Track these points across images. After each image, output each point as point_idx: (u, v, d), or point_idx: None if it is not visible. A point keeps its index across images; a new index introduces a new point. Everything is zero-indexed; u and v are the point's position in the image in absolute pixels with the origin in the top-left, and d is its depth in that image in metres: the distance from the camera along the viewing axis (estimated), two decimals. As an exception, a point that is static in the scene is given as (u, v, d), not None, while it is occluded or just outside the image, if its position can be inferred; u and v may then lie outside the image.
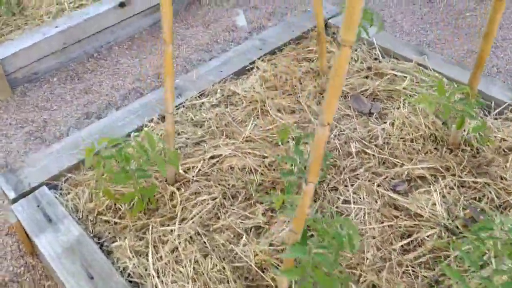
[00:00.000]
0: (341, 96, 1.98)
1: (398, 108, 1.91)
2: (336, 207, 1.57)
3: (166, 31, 1.43)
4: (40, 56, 2.48)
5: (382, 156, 1.73)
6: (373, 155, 1.73)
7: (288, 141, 1.76)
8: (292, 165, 1.64)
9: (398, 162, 1.70)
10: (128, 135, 1.83)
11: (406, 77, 2.04)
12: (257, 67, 2.16)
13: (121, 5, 2.71)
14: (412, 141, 1.78)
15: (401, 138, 1.78)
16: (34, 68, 2.50)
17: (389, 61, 2.16)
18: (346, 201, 1.61)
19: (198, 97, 2.00)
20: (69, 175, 1.73)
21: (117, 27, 2.76)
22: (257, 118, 1.89)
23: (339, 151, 1.75)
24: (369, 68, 2.14)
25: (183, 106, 1.95)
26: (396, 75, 2.07)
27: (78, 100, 2.41)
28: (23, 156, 2.11)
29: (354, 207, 1.57)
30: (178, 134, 1.84)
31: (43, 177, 1.70)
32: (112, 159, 1.48)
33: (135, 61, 2.66)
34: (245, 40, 2.77)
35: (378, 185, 1.63)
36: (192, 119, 1.89)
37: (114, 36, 2.78)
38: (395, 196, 1.59)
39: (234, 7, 3.05)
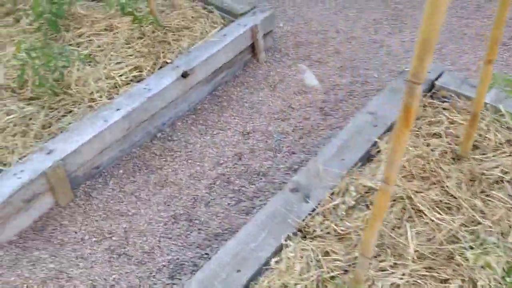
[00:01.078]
0: None
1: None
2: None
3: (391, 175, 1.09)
4: (102, 147, 2.09)
5: None
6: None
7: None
8: None
9: None
10: (267, 262, 1.49)
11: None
12: (379, 150, 1.85)
13: (184, 75, 2.35)
14: None
15: None
16: (95, 161, 2.11)
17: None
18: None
19: (330, 196, 1.67)
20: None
21: (179, 100, 2.41)
22: (412, 221, 1.59)
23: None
24: None
25: (318, 214, 1.62)
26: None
27: (155, 197, 2.03)
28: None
29: None
30: (327, 254, 1.50)
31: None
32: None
33: (206, 139, 2.31)
34: (324, 103, 2.46)
35: None
36: (335, 232, 1.57)
37: (176, 111, 2.42)
38: None
39: (296, 63, 2.75)
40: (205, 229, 1.90)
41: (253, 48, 2.76)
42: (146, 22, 2.62)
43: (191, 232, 1.89)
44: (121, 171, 2.14)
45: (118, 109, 2.16)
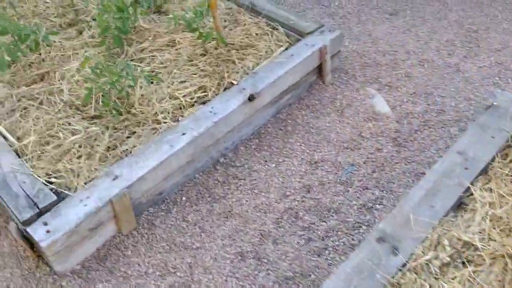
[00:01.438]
0: None
1: None
2: None
3: None
4: (167, 174, 2.00)
5: None
6: None
7: None
8: None
9: None
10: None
11: None
12: (471, 196, 1.68)
13: (250, 99, 2.25)
14: None
15: None
16: (159, 187, 2.03)
17: None
18: None
19: (421, 250, 1.52)
20: None
21: (243, 124, 2.30)
22: (517, 286, 1.43)
23: None
24: None
25: (410, 270, 1.47)
26: None
27: (220, 229, 1.93)
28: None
29: None
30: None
31: None
32: None
33: (271, 167, 2.19)
34: (398, 133, 2.28)
35: None
36: (430, 293, 1.42)
37: (239, 134, 2.32)
38: None
39: (365, 86, 2.60)
40: (274, 270, 1.78)
41: (319, 69, 2.63)
42: (210, 39, 2.53)
43: (259, 272, 1.78)
44: (184, 198, 2.06)
45: (183, 133, 2.07)
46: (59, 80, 2.39)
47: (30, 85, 2.36)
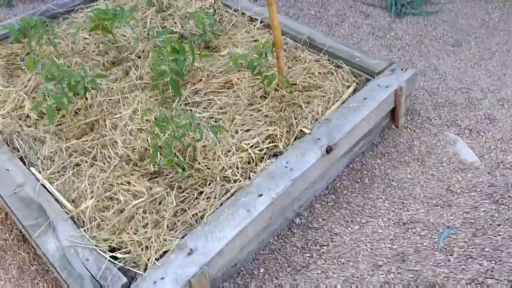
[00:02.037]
0: None
1: None
2: None
3: None
4: (244, 243, 1.76)
5: None
6: None
7: None
8: None
9: None
10: None
11: None
12: None
13: (328, 151, 2.02)
14: None
15: None
16: (234, 259, 1.80)
17: None
18: None
19: None
20: None
21: (317, 178, 2.07)
22: None
23: None
24: None
25: None
26: None
27: (309, 310, 1.69)
28: None
29: None
30: None
31: None
32: None
33: (354, 229, 1.94)
34: (492, 187, 2.02)
35: None
36: None
37: (313, 190, 2.08)
38: None
39: (443, 131, 2.36)
40: None
41: (392, 112, 2.40)
42: (274, 81, 2.31)
43: None
44: (261, 270, 1.80)
45: (260, 195, 1.82)
46: (110, 129, 2.16)
47: (79, 136, 2.13)
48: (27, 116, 2.29)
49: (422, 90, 2.61)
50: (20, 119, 2.25)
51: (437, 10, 3.32)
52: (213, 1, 3.07)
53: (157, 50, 2.21)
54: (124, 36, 2.80)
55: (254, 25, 2.85)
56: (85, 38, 2.82)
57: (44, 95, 2.15)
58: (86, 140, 2.10)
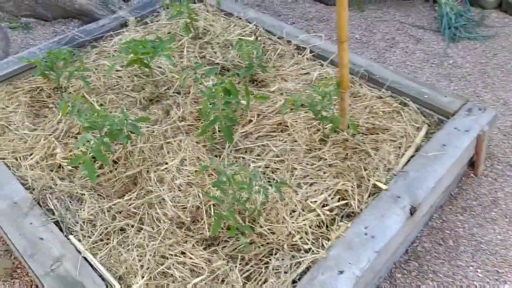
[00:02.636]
0: None
1: None
2: None
3: None
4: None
5: None
6: None
7: None
8: None
9: None
10: None
11: None
12: None
13: (412, 212, 1.74)
14: None
15: None
16: None
17: None
18: None
19: None
20: None
21: (400, 244, 1.79)
22: None
23: None
24: None
25: None
26: None
27: None
28: None
29: None
30: None
31: None
32: None
33: (445, 305, 1.68)
34: None
35: None
36: None
37: (393, 257, 1.81)
38: None
39: (528, 179, 2.09)
40: None
41: (470, 158, 2.13)
42: (336, 124, 2.04)
43: None
44: None
45: (340, 272, 1.56)
46: (156, 183, 1.90)
47: (122, 194, 1.86)
48: (59, 166, 2.04)
49: (495, 129, 2.34)
50: (52, 171, 1.99)
51: (493, 35, 3.06)
52: (254, 27, 2.82)
53: (208, 93, 1.95)
54: (160, 68, 2.55)
55: (302, 55, 2.59)
56: (117, 71, 2.57)
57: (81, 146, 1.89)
58: (130, 198, 1.83)
